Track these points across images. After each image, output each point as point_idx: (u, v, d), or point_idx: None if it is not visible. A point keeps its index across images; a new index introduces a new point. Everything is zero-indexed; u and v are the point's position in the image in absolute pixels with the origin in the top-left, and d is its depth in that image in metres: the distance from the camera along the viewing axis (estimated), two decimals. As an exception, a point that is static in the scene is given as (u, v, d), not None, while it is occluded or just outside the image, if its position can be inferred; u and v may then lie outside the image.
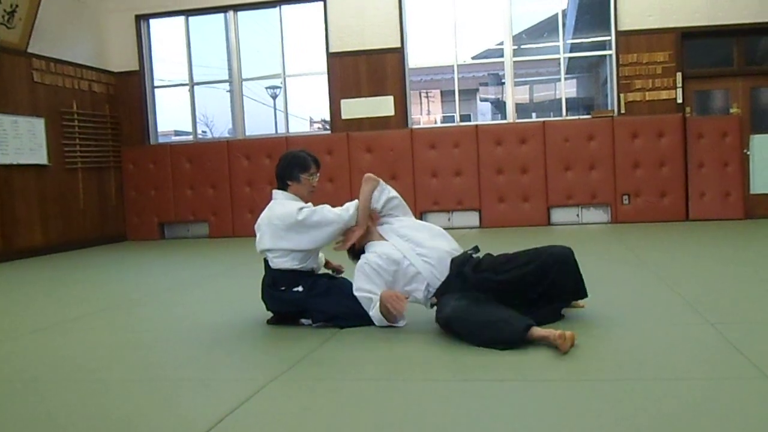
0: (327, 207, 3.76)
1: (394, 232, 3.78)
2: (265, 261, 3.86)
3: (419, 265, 3.63)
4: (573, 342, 3.02)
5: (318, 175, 3.94)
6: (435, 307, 3.59)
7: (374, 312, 3.60)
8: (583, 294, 3.64)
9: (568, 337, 3.00)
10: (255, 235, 3.91)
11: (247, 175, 10.16)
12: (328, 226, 3.71)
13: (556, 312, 3.60)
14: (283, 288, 3.78)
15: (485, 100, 18.94)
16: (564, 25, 10.04)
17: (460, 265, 3.60)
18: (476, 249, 3.77)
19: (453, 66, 10.06)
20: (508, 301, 3.40)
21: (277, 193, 3.91)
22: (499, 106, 16.70)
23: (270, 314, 3.95)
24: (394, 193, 3.89)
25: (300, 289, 3.75)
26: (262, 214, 3.87)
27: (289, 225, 3.69)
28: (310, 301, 3.74)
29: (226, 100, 11.00)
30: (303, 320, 3.84)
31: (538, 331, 3.12)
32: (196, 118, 10.87)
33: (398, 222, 3.85)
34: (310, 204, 3.85)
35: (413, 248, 3.67)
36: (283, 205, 3.79)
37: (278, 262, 3.77)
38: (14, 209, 8.48)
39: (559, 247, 3.59)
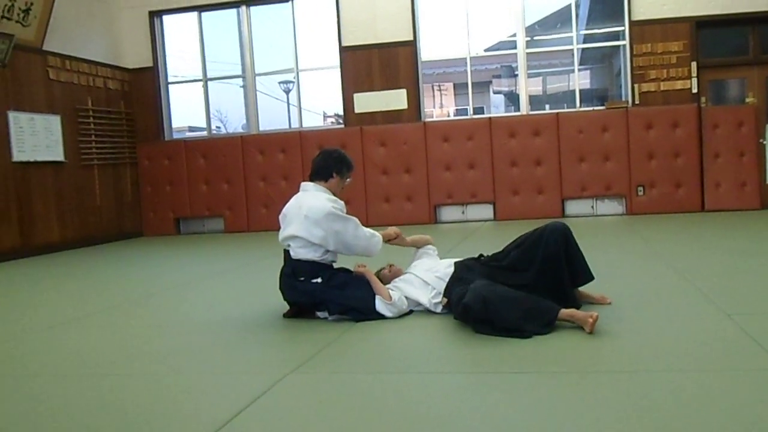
0: (353, 223, 3.82)
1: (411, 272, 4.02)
2: (286, 252, 3.89)
3: (428, 278, 3.84)
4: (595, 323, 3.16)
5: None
6: (444, 308, 3.76)
7: (381, 303, 3.74)
8: (587, 275, 3.67)
9: (594, 317, 3.14)
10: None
11: (261, 170, 10.19)
12: (358, 239, 3.81)
13: (568, 303, 3.60)
14: (302, 278, 3.80)
15: (498, 92, 18.88)
16: (577, 15, 9.98)
17: (466, 261, 3.83)
18: (480, 255, 3.94)
19: (466, 58, 10.04)
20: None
21: (307, 185, 3.94)
22: (512, 98, 16.65)
23: (286, 308, 3.97)
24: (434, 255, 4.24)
25: (319, 280, 3.78)
26: (290, 204, 3.90)
27: (317, 219, 3.71)
28: (327, 292, 3.77)
29: (239, 96, 11.04)
30: (319, 313, 3.86)
31: (565, 311, 3.25)
32: (210, 113, 10.92)
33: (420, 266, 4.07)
34: (342, 203, 3.88)
35: (424, 272, 3.90)
36: (315, 197, 3.81)
37: (300, 253, 3.79)
38: (31, 206, 8.57)
39: (555, 221, 3.70)
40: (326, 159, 3.94)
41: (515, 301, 3.23)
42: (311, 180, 3.94)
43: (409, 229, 4.69)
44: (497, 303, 3.20)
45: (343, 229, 3.74)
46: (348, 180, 4.00)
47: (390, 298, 3.73)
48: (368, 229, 3.86)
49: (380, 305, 3.72)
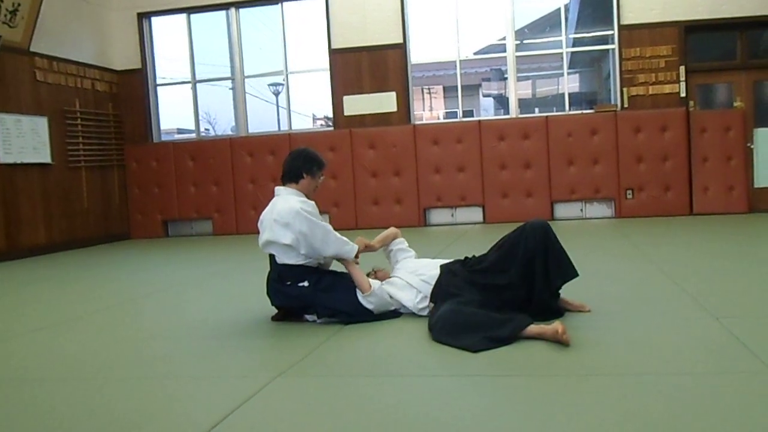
0: (323, 226, 3.75)
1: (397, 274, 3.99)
2: (271, 256, 3.86)
3: (413, 281, 3.81)
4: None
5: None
6: (430, 312, 3.69)
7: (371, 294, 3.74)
8: (570, 271, 3.57)
9: (561, 330, 3.02)
10: (259, 232, 3.91)
11: (250, 173, 10.16)
12: (328, 244, 3.73)
13: (554, 310, 3.58)
14: (288, 282, 3.78)
15: (488, 95, 18.93)
16: (566, 19, 10.01)
17: (450, 265, 3.78)
18: (466, 258, 3.89)
19: (455, 62, 10.05)
20: (499, 295, 3.47)
21: (280, 189, 3.91)
22: (501, 102, 16.69)
23: (274, 311, 3.95)
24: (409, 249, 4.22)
25: (305, 284, 3.75)
26: (265, 210, 3.88)
27: (287, 221, 3.68)
28: (315, 296, 3.74)
29: (228, 98, 11.00)
30: (307, 316, 3.84)
31: (533, 328, 3.14)
32: (199, 115, 10.88)
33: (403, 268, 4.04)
34: (313, 203, 3.85)
35: (409, 275, 3.87)
36: (286, 201, 3.79)
37: (284, 257, 3.77)
38: (18, 208, 8.50)
39: (535, 219, 3.65)
40: (295, 160, 3.90)
41: (473, 327, 3.17)
42: (283, 183, 3.92)
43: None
44: (448, 326, 3.22)
45: (309, 231, 3.66)
46: (321, 178, 3.97)
47: (369, 287, 3.71)
48: (341, 237, 3.80)
49: (361, 298, 3.72)
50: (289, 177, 3.89)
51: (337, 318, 3.75)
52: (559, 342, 3.02)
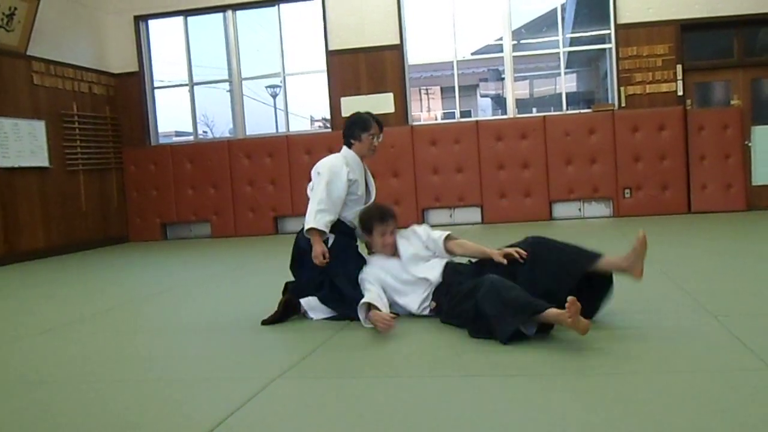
0: (323, 195, 3.80)
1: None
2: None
3: (421, 273, 3.74)
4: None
5: (381, 136, 4.07)
6: (433, 312, 3.70)
7: (361, 314, 3.59)
8: (589, 256, 3.46)
9: (583, 322, 2.91)
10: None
11: (248, 175, 10.16)
12: (309, 205, 3.85)
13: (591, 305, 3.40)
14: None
15: (485, 95, 18.94)
16: (563, 19, 10.02)
17: (454, 263, 3.76)
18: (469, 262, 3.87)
19: (453, 62, 10.05)
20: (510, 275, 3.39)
21: (343, 149, 4.08)
22: (499, 102, 16.71)
23: (266, 315, 3.91)
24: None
25: (332, 239, 3.86)
26: None
27: (318, 171, 3.90)
28: (331, 264, 3.78)
29: (226, 100, 10.99)
30: (309, 312, 3.84)
31: (553, 311, 2.99)
32: (197, 118, 10.87)
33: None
34: (347, 171, 3.90)
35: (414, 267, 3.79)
36: (334, 156, 4.00)
37: None
38: (16, 212, 8.49)
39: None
40: (343, 129, 4.10)
41: (501, 291, 3.13)
42: None
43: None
44: (500, 298, 3.10)
45: (314, 183, 3.88)
46: (373, 138, 4.02)
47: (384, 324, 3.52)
48: (320, 206, 3.76)
49: (364, 322, 3.59)
50: (344, 143, 4.09)
51: (338, 310, 3.79)
52: (576, 329, 2.91)
